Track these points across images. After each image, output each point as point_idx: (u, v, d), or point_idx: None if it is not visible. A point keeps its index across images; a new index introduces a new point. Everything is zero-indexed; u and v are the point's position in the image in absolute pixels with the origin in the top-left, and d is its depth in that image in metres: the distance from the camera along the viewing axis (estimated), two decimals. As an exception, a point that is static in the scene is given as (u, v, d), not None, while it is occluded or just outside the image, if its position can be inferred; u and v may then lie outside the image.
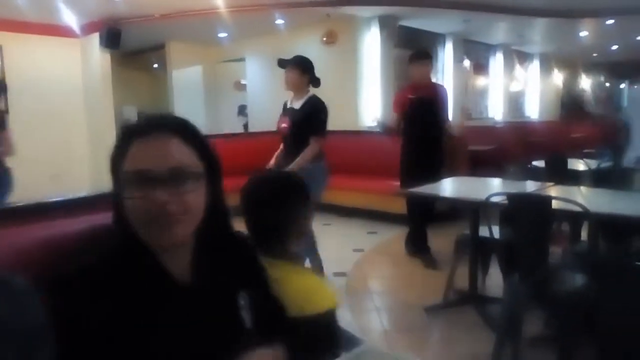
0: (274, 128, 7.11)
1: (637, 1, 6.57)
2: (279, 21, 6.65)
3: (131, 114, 8.56)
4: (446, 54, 8.13)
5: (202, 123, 8.15)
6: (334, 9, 6.17)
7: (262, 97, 7.74)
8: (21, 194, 5.12)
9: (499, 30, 8.38)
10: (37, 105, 6.62)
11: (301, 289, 1.14)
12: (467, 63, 8.94)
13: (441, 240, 4.34)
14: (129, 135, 0.86)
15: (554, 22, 7.59)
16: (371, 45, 6.57)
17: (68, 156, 6.92)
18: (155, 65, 8.77)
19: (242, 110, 8.35)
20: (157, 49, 8.14)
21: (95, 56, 6.80)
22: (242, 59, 8.09)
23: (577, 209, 2.10)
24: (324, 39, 6.82)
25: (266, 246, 1.16)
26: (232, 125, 8.14)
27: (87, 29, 6.77)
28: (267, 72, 7.75)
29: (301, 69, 3.46)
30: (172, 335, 0.83)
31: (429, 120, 4.10)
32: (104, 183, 0.99)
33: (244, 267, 1.01)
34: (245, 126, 8.14)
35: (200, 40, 7.94)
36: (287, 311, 1.04)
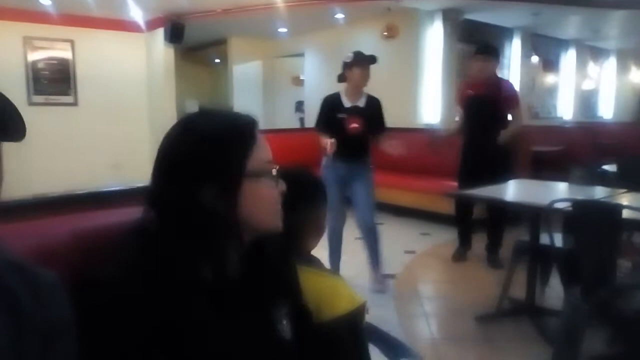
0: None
1: None
2: (339, 15, 6.58)
3: (193, 108, 8.82)
4: (513, 50, 7.76)
5: (260, 118, 8.39)
6: (395, 2, 6.02)
7: (319, 93, 7.67)
8: (82, 181, 5.43)
9: (571, 24, 7.89)
10: (103, 98, 6.93)
11: (324, 290, 1.08)
12: (535, 59, 8.48)
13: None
14: (253, 127, 0.90)
15: (633, 15, 7.02)
16: (433, 39, 6.37)
17: (130, 147, 7.21)
18: (217, 60, 8.96)
19: (299, 106, 8.37)
20: (218, 44, 8.31)
21: (159, 51, 7.02)
22: (301, 54, 8.10)
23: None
24: (385, 33, 6.68)
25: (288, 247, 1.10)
26: (289, 120, 8.17)
27: (152, 24, 7.00)
28: (325, 68, 7.71)
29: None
30: (221, 347, 0.81)
31: (490, 119, 3.89)
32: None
33: (281, 270, 0.97)
34: (302, 122, 8.15)
35: (260, 36, 8.02)
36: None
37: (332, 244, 3.50)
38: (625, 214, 2.06)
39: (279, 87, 8.51)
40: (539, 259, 2.98)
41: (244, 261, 0.90)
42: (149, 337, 0.74)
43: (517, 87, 7.66)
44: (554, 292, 3.13)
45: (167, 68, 7.08)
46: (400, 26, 6.54)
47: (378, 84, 6.53)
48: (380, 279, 3.48)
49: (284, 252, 1.00)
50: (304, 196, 1.17)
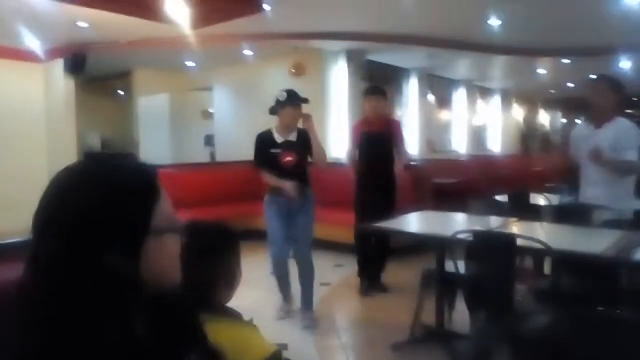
0: (243, 157, 7.08)
1: (591, 42, 6.94)
2: (247, 52, 6.69)
3: (94, 141, 8.37)
4: (411, 88, 8.32)
5: (168, 152, 7.97)
6: (302, 42, 6.25)
7: (230, 127, 7.71)
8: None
9: (462, 66, 8.67)
10: (-7, 131, 6.38)
11: (235, 340, 1.08)
12: (431, 97, 9.16)
13: (404, 274, 4.38)
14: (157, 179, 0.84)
15: (513, 60, 7.90)
16: (339, 78, 6.67)
17: (25, 186, 6.65)
18: (121, 92, 8.65)
19: (209, 140, 8.28)
20: (122, 76, 8.05)
21: (59, 81, 6.65)
22: (209, 88, 8.08)
23: (540, 246, 2.13)
24: (292, 70, 6.88)
25: (195, 300, 1.09)
26: (199, 154, 8.05)
27: (51, 53, 6.63)
28: (235, 102, 7.77)
29: None
30: None
31: (381, 154, 4.18)
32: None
33: (186, 322, 0.93)
34: (212, 156, 8.07)
35: (167, 68, 7.90)
36: None
37: (278, 276, 3.61)
38: (519, 242, 2.30)
39: (188, 120, 8.37)
40: (445, 286, 3.19)
41: (148, 318, 0.83)
42: None
43: (415, 123, 8.27)
44: (461, 317, 3.35)
45: (67, 100, 6.70)
46: (307, 64, 6.78)
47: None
48: (310, 315, 3.52)
49: (187, 304, 0.95)
50: (213, 249, 1.17)
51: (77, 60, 6.30)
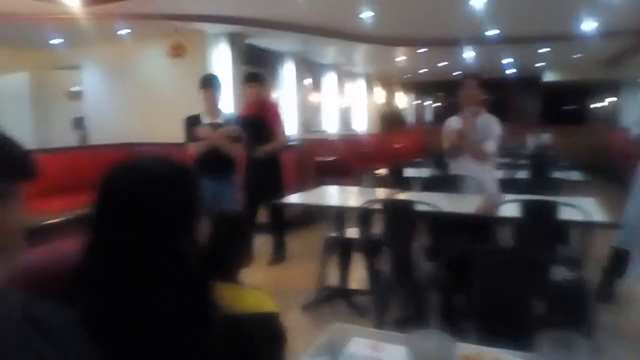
0: (118, 140, 6.80)
1: (444, 35, 7.94)
2: (124, 30, 6.44)
3: None
4: (288, 72, 8.68)
5: (30, 136, 7.31)
6: (183, 24, 6.22)
7: (102, 108, 7.34)
8: None
9: (331, 52, 9.26)
10: None
11: (255, 299, 1.28)
12: (308, 81, 9.63)
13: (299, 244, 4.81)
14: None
15: (373, 48, 8.66)
16: (220, 61, 6.76)
17: None
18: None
19: (78, 123, 7.76)
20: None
21: None
22: (77, 67, 7.56)
23: (431, 209, 2.64)
24: (171, 52, 6.79)
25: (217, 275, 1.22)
26: (67, 138, 7.51)
27: None
28: (108, 82, 7.40)
29: None
30: None
31: (259, 136, 4.44)
32: None
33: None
34: (84, 139, 7.60)
35: (26, 45, 7.22)
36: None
37: None
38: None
39: (52, 101, 7.75)
40: (345, 250, 3.64)
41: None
42: None
43: (293, 105, 8.66)
44: (356, 276, 3.83)
45: None
46: (188, 46, 6.74)
47: (168, 102, 6.64)
48: None
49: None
50: (235, 234, 1.38)
51: None
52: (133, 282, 0.90)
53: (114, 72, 7.30)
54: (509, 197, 3.08)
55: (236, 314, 1.08)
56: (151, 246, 0.92)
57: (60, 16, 5.49)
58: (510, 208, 2.74)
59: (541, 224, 2.62)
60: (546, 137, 9.32)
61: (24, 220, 0.64)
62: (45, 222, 1.37)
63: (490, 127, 3.54)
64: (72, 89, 7.86)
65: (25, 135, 7.26)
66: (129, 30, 6.44)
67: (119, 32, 6.43)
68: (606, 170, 8.97)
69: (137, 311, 0.89)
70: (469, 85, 3.59)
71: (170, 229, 0.93)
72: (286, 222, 4.82)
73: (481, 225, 2.95)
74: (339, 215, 3.57)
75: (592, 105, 14.27)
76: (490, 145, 3.50)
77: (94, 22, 5.72)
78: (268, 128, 4.52)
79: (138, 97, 7.06)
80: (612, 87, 12.69)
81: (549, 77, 12.80)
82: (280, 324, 1.23)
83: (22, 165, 0.62)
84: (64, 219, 1.42)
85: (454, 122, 3.70)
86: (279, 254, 4.64)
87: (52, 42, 6.94)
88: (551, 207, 2.55)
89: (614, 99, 12.98)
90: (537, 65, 11.75)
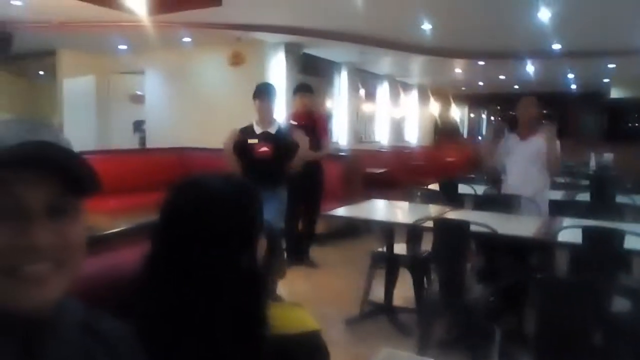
0: (174, 144, 6.99)
1: (503, 48, 7.72)
2: (186, 39, 6.67)
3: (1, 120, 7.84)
4: (342, 81, 8.70)
5: (94, 137, 7.63)
6: (243, 33, 6.36)
7: (161, 113, 7.61)
8: None
9: (386, 62, 9.21)
10: None
11: (296, 316, 1.29)
12: (362, 91, 9.63)
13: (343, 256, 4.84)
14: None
15: (429, 59, 8.53)
16: (277, 69, 6.86)
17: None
18: (41, 73, 8.17)
19: (138, 126, 8.09)
20: (43, 56, 7.62)
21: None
22: (140, 72, 7.89)
23: (487, 230, 2.55)
24: (231, 60, 6.96)
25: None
26: (128, 140, 7.85)
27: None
28: (169, 88, 7.66)
29: None
30: None
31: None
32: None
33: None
34: (143, 141, 7.91)
35: (95, 50, 7.60)
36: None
37: None
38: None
39: (116, 104, 8.11)
40: (392, 266, 3.57)
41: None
42: None
43: (345, 114, 8.67)
44: (400, 293, 3.73)
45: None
46: (247, 55, 6.89)
47: (225, 109, 6.80)
48: None
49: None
50: (275, 249, 1.33)
51: (2, 38, 5.93)
52: (192, 299, 0.91)
53: (176, 78, 7.56)
54: (568, 221, 2.94)
55: (279, 334, 1.05)
56: (212, 264, 0.92)
57: (127, 24, 5.75)
58: (569, 233, 2.61)
59: (603, 253, 2.47)
60: (608, 157, 8.88)
61: (86, 233, 0.65)
62: (107, 232, 1.41)
63: (541, 148, 3.45)
64: (135, 93, 8.20)
65: (91, 136, 7.68)
66: (190, 39, 6.66)
67: (181, 40, 6.66)
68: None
69: (194, 329, 0.90)
70: (524, 103, 3.51)
71: (231, 247, 0.94)
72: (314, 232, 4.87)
73: (538, 249, 2.83)
74: (388, 230, 3.51)
75: (661, 125, 13.48)
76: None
77: (158, 30, 5.95)
78: (316, 139, 4.51)
79: (196, 103, 7.28)
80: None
81: (615, 93, 12.21)
82: (323, 342, 1.18)
83: (87, 180, 0.61)
84: (125, 228, 1.44)
85: (506, 141, 3.61)
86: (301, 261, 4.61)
87: (118, 47, 7.28)
88: (616, 236, 2.41)
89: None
90: (604, 80, 11.23)
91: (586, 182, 5.63)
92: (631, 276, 2.98)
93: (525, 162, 3.57)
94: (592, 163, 8.30)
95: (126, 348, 0.73)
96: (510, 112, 3.66)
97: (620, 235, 2.41)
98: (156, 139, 7.47)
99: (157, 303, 0.93)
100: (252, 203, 1.02)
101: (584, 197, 4.58)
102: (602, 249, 2.43)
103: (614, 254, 2.51)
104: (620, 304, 2.45)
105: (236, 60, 6.90)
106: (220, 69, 7.03)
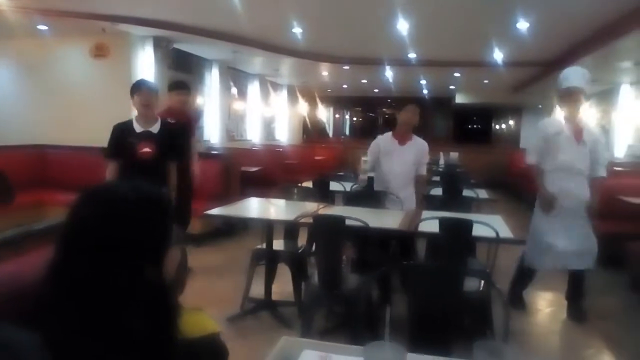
0: (27, 141, 6.37)
1: (366, 55, 8.31)
2: (42, 26, 6.10)
3: None
4: (213, 79, 8.61)
5: None
6: (109, 24, 6.01)
7: (11, 107, 6.87)
8: None
9: (257, 63, 9.32)
10: None
11: (197, 320, 1.33)
12: (234, 90, 9.60)
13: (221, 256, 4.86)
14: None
15: (301, 62, 8.86)
16: (145, 63, 6.60)
17: None
18: None
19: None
20: None
21: None
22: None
23: (359, 224, 2.80)
24: (94, 52, 6.52)
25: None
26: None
27: None
28: (24, 79, 6.94)
29: None
30: None
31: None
32: None
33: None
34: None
35: None
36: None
37: None
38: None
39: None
40: (272, 263, 3.69)
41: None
42: None
43: (217, 112, 8.59)
44: (280, 288, 3.87)
45: None
46: (112, 47, 6.52)
47: (87, 104, 6.38)
48: None
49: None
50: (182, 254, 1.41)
51: None
52: (96, 311, 0.88)
53: (31, 70, 6.86)
54: (426, 213, 3.33)
55: (183, 339, 1.05)
56: (117, 274, 0.89)
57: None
58: (428, 224, 2.96)
59: (456, 240, 2.86)
60: (454, 155, 9.99)
61: None
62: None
63: (423, 152, 3.84)
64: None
65: None
66: (46, 28, 6.11)
67: (36, 27, 6.08)
68: (507, 187, 9.78)
69: (99, 340, 0.87)
70: (410, 110, 3.82)
71: (137, 257, 0.92)
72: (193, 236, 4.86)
73: (403, 239, 3.17)
74: (267, 227, 3.60)
75: (496, 127, 15.45)
76: (423, 170, 3.82)
77: (9, 15, 5.38)
78: (190, 135, 4.50)
79: (55, 96, 6.69)
80: (515, 111, 13.86)
81: (459, 99, 13.74)
82: (223, 343, 1.21)
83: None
84: (24, 231, 1.37)
85: (382, 141, 3.91)
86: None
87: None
88: (467, 225, 2.81)
89: (512, 122, 14.23)
90: (450, 87, 12.59)
91: (437, 179, 6.35)
92: (477, 259, 3.46)
93: (401, 165, 3.91)
94: (442, 161, 9.28)
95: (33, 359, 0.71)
96: (393, 114, 3.99)
97: (469, 225, 2.81)
98: (8, 136, 6.70)
99: (61, 317, 0.88)
100: (159, 212, 0.99)
101: (437, 191, 5.15)
102: (455, 236, 2.82)
103: (465, 241, 2.92)
104: (470, 284, 2.85)
105: (99, 52, 6.49)
106: (82, 61, 6.57)
